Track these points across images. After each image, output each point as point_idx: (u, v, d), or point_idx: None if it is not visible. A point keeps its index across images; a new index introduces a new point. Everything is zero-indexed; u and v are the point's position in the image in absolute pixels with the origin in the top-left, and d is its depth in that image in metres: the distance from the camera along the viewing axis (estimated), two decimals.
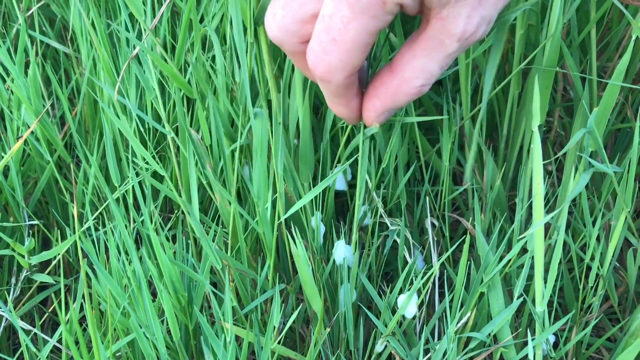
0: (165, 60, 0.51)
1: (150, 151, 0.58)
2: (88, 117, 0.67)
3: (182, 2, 0.67)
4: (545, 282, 0.50)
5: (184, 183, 0.55)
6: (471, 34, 0.35)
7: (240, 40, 0.47)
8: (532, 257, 0.51)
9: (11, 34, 0.73)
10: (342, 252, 0.52)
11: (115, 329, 0.49)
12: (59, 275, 0.60)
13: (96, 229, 0.59)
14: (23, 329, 0.46)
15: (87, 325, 0.54)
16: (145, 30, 0.53)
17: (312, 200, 0.53)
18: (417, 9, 0.34)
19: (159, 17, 0.50)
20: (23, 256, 0.55)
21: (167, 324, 0.50)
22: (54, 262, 0.59)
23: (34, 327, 0.54)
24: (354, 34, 0.33)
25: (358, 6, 0.32)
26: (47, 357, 0.49)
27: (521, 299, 0.52)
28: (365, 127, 0.45)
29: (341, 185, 0.59)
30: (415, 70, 0.36)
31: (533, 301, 0.54)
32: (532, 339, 0.50)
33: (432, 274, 0.50)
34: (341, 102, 0.39)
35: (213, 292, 0.48)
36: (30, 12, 0.72)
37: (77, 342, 0.58)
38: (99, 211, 0.53)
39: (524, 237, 0.50)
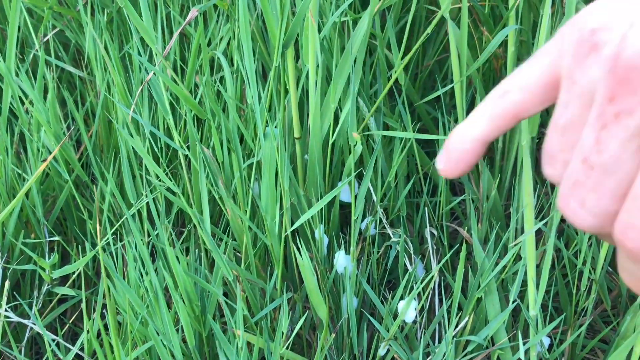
0: (177, 83, 0.54)
1: (163, 168, 0.62)
2: (103, 138, 0.70)
3: (191, 27, 0.71)
4: (539, 287, 0.53)
5: (196, 197, 0.58)
6: None
7: (251, 64, 0.51)
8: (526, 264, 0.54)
9: (28, 58, 0.76)
10: (343, 261, 0.55)
11: (133, 338, 0.52)
12: (77, 288, 0.64)
13: (113, 244, 0.63)
14: (47, 338, 0.49)
15: (106, 334, 0.57)
16: (157, 55, 0.56)
17: (318, 213, 0.56)
18: None
19: (171, 44, 0.54)
20: (45, 270, 0.58)
21: (182, 332, 0.53)
22: (73, 277, 0.62)
23: (56, 337, 0.57)
24: None
25: None
26: None
27: (515, 303, 0.55)
28: None
29: (346, 197, 0.62)
30: None
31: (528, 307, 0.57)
32: (525, 342, 0.53)
33: (431, 278, 0.53)
34: None
35: (225, 302, 0.52)
36: (46, 38, 0.76)
37: (94, 353, 0.61)
38: (116, 226, 0.57)
39: (517, 243, 0.53)
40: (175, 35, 0.53)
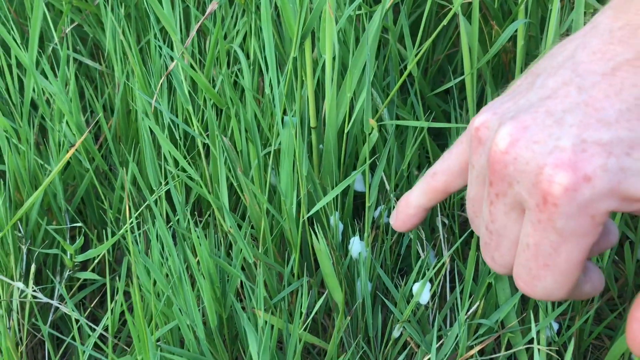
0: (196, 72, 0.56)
1: (182, 154, 0.64)
2: (121, 129, 0.72)
3: (208, 20, 0.73)
4: None
5: (215, 184, 0.60)
6: None
7: (271, 50, 0.52)
8: None
9: (47, 52, 0.78)
10: (358, 247, 0.57)
11: (155, 318, 0.54)
12: (99, 274, 0.65)
13: (132, 232, 0.64)
14: (72, 319, 0.51)
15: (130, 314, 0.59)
16: (177, 46, 0.58)
17: (333, 201, 0.58)
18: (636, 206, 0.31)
19: (192, 34, 0.55)
20: (66, 253, 0.60)
21: (203, 315, 0.55)
22: (93, 263, 0.64)
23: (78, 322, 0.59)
24: (567, 256, 0.31)
25: (566, 229, 0.30)
26: (93, 345, 0.54)
27: None
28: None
29: (360, 186, 0.64)
30: None
31: None
32: (536, 325, 0.55)
33: (442, 262, 0.55)
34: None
35: (244, 284, 0.53)
36: (65, 32, 0.78)
37: (116, 336, 0.63)
38: (140, 210, 0.58)
39: None
40: (197, 26, 0.55)
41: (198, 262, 0.50)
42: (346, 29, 0.61)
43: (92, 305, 0.63)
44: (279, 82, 0.55)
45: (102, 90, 0.79)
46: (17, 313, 0.57)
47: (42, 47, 0.83)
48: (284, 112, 0.57)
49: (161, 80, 0.55)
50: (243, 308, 0.60)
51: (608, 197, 0.30)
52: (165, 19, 0.55)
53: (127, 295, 0.66)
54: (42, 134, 0.76)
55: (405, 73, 0.58)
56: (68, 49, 0.80)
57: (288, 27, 0.54)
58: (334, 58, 0.56)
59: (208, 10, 0.56)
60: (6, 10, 0.79)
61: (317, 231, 0.54)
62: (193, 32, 0.55)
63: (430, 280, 0.61)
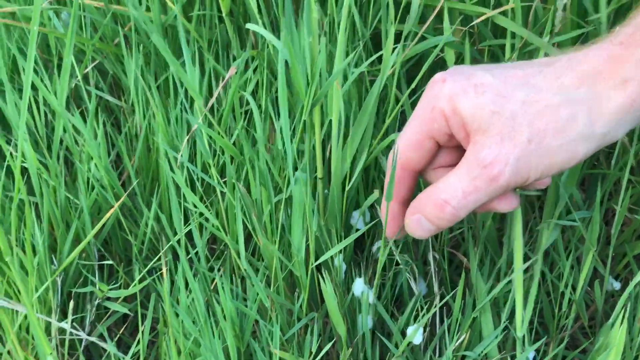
0: (221, 136, 0.63)
1: (199, 195, 0.70)
2: (141, 163, 0.78)
3: (223, 68, 0.79)
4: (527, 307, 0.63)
5: (231, 230, 0.67)
6: None
7: (285, 120, 0.59)
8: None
9: (70, 87, 0.84)
10: (360, 287, 0.64)
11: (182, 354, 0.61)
12: (125, 301, 0.73)
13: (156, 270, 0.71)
14: (102, 348, 0.58)
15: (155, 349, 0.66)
16: (198, 108, 0.65)
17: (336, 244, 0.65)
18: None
19: (213, 99, 0.62)
20: (102, 291, 0.67)
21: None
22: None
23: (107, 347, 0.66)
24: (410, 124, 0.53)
25: (418, 106, 0.52)
26: None
27: (505, 323, 0.65)
28: None
29: (360, 225, 0.71)
30: None
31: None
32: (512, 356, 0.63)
33: (432, 300, 0.63)
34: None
35: (257, 321, 0.61)
36: (86, 70, 0.84)
37: None
38: (163, 250, 0.65)
39: (508, 281, 0.62)
40: (217, 91, 0.62)
41: (221, 307, 0.57)
42: (350, 90, 0.68)
43: (120, 332, 0.70)
44: (291, 141, 0.62)
45: (122, 123, 0.85)
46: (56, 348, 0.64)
47: None
48: (295, 165, 0.64)
49: (185, 140, 0.62)
50: (256, 339, 0.67)
51: (446, 99, 0.47)
52: (190, 86, 0.62)
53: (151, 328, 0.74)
54: (66, 166, 0.82)
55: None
56: (89, 85, 0.86)
57: (299, 93, 0.60)
58: (339, 121, 0.62)
59: (227, 75, 0.63)
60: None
61: (324, 275, 0.62)
62: (214, 97, 0.62)
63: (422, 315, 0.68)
